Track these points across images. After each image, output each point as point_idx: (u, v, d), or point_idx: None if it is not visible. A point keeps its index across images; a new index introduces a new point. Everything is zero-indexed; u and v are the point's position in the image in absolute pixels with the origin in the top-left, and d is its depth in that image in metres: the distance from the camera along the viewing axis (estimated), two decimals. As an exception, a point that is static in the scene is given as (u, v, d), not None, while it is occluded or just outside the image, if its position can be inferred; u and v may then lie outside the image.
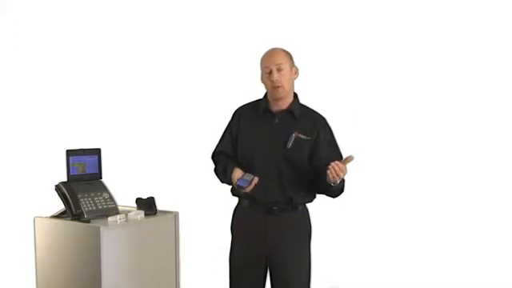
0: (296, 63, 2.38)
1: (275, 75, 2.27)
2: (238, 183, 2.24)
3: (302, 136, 2.30)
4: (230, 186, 2.41)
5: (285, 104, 2.35)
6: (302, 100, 2.43)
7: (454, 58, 3.71)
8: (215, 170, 2.47)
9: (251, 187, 2.21)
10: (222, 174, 2.38)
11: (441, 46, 3.73)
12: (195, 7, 4.04)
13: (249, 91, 2.47)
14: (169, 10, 4.04)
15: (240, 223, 2.43)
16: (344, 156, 2.30)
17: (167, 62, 4.04)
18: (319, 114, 2.40)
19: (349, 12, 3.86)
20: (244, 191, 2.24)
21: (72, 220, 2.32)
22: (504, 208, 3.63)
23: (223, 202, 2.53)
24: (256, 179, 2.22)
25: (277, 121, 2.34)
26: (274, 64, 2.28)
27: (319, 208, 2.47)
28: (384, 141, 3.77)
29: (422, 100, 3.78)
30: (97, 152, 2.52)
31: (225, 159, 2.43)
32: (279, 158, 2.29)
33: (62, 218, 2.39)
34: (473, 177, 3.67)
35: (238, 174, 2.28)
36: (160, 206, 2.52)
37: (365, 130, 3.80)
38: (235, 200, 2.46)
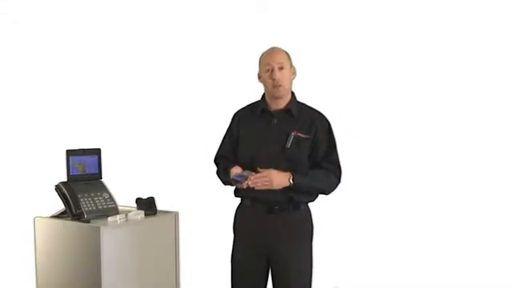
0: (296, 63, 2.39)
1: (277, 74, 2.28)
2: (234, 178, 2.25)
3: (301, 135, 2.31)
4: (234, 187, 2.42)
5: (283, 103, 2.36)
6: (303, 100, 2.43)
7: (453, 58, 3.70)
8: (217, 173, 2.49)
9: (246, 182, 2.22)
10: (223, 173, 2.39)
11: (441, 46, 3.73)
12: (196, 8, 4.04)
13: (249, 92, 2.48)
14: (169, 10, 4.04)
15: (242, 223, 2.44)
16: (340, 154, 2.35)
17: (167, 62, 4.04)
18: (318, 112, 2.40)
19: (348, 11, 3.86)
20: (240, 186, 2.26)
21: (72, 220, 2.32)
22: (504, 208, 3.63)
23: (223, 202, 2.54)
24: (253, 174, 2.23)
25: (275, 121, 2.35)
26: (276, 62, 2.30)
27: (321, 208, 2.47)
28: (384, 140, 3.77)
29: (421, 99, 3.77)
30: (97, 152, 2.53)
31: (226, 161, 2.44)
32: (279, 157, 2.30)
33: (62, 217, 2.39)
34: (473, 177, 3.67)
35: (236, 169, 2.30)
36: (160, 206, 2.52)
37: (365, 129, 3.80)
38: (235, 200, 2.46)
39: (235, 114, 2.50)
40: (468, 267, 3.55)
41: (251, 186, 2.21)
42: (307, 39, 3.82)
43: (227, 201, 2.48)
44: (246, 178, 2.23)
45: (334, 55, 3.83)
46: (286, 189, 2.26)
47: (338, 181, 2.35)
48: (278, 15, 3.91)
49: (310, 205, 2.41)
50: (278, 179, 2.22)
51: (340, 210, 3.64)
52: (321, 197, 2.40)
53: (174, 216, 2.53)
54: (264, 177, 2.20)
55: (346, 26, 3.86)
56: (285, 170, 2.27)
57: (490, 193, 3.64)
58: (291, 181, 2.23)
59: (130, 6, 4.03)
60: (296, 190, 2.26)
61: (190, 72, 4.02)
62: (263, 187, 2.21)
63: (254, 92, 2.45)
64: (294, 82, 2.41)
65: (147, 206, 2.49)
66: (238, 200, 2.47)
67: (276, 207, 2.32)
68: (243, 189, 2.27)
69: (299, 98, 2.43)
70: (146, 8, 4.06)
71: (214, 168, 2.51)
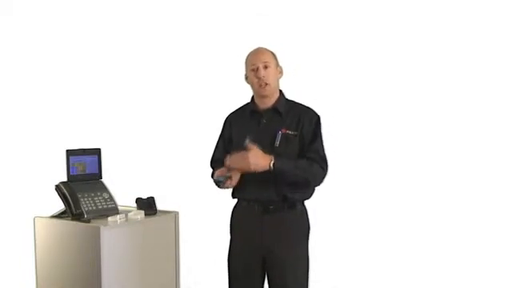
0: (295, 65, 2.39)
1: (262, 72, 2.31)
2: (216, 178, 2.29)
3: (289, 132, 2.32)
4: (231, 188, 2.43)
5: (271, 102, 2.38)
6: (300, 99, 2.43)
7: (452, 58, 3.70)
8: (212, 176, 2.49)
9: (229, 182, 2.25)
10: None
11: (439, 46, 3.73)
12: (196, 12, 4.04)
13: (248, 92, 2.48)
14: (169, 13, 4.04)
15: (238, 223, 2.45)
16: (326, 150, 2.34)
17: (167, 64, 4.05)
18: (307, 108, 2.40)
19: (346, 16, 3.86)
20: (223, 187, 2.29)
21: (72, 220, 2.32)
22: (504, 208, 3.63)
23: (223, 202, 2.54)
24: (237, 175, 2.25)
25: (265, 120, 2.36)
26: (261, 62, 2.32)
27: (318, 207, 2.46)
28: (382, 140, 3.77)
29: (419, 99, 3.77)
30: (97, 152, 2.53)
31: (220, 164, 2.45)
32: None
33: (62, 217, 2.39)
34: (472, 177, 3.67)
35: (221, 172, 2.32)
36: (160, 206, 2.52)
37: (363, 129, 3.79)
38: (235, 200, 2.46)
39: (226, 118, 2.53)
40: (467, 267, 3.55)
41: (227, 165, 2.21)
42: (306, 42, 3.82)
43: (227, 201, 2.48)
44: (230, 178, 2.24)
45: (332, 57, 3.83)
46: (269, 175, 2.22)
47: (324, 172, 2.32)
48: (277, 19, 3.91)
49: (307, 204, 2.41)
50: (256, 160, 2.18)
51: (337, 210, 3.64)
52: (318, 196, 2.40)
53: (174, 216, 2.53)
54: (240, 156, 2.19)
55: (344, 29, 3.85)
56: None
57: (489, 193, 3.64)
58: (271, 165, 2.20)
59: (131, 7, 4.04)
60: (278, 175, 2.23)
61: (190, 74, 4.03)
62: (239, 167, 2.20)
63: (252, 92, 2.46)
64: (294, 82, 2.42)
65: (147, 205, 2.49)
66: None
67: (271, 207, 2.31)
68: (228, 187, 2.29)
69: (300, 98, 2.44)
70: (147, 10, 4.06)
71: (211, 171, 2.52)
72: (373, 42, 3.82)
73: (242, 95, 2.53)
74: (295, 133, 2.32)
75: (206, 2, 4.03)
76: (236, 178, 2.27)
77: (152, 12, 4.07)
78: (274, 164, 2.20)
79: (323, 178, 2.34)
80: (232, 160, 2.23)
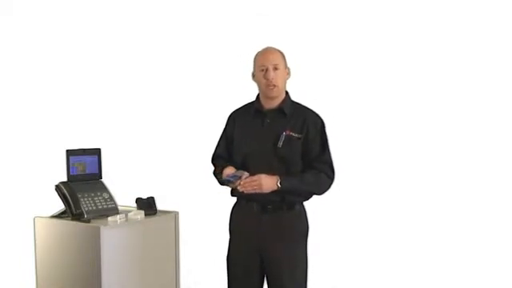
0: (295, 65, 2.39)
1: (271, 74, 2.29)
2: (226, 178, 2.27)
3: (293, 134, 2.32)
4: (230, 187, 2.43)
5: (276, 103, 2.37)
6: (304, 100, 2.43)
7: (455, 60, 3.70)
8: (214, 173, 2.50)
9: (240, 182, 2.24)
10: (219, 174, 2.40)
11: (442, 47, 3.73)
12: (196, 11, 4.04)
13: (249, 93, 2.48)
14: (169, 13, 4.04)
15: (236, 222, 2.45)
16: (336, 154, 2.35)
17: (168, 63, 4.04)
18: (311, 111, 2.40)
19: (345, 10, 3.86)
20: (233, 186, 2.28)
21: (72, 220, 2.33)
22: (504, 208, 3.63)
23: (223, 202, 2.54)
24: (246, 174, 2.25)
25: (268, 120, 2.36)
26: (271, 63, 2.31)
27: (318, 207, 2.46)
28: (382, 141, 3.76)
29: (419, 100, 3.77)
30: (97, 152, 2.53)
31: (222, 161, 2.46)
32: (271, 157, 2.30)
33: (62, 217, 2.39)
34: (472, 178, 3.66)
35: (228, 170, 2.32)
36: (160, 206, 2.52)
37: (363, 130, 3.79)
38: (235, 200, 2.46)
39: (230, 115, 2.52)
40: (466, 268, 3.55)
41: (240, 190, 2.23)
42: (306, 42, 3.82)
43: (227, 201, 2.48)
44: (240, 178, 2.24)
45: (332, 57, 3.82)
46: (276, 191, 2.26)
47: (331, 181, 2.35)
48: (277, 19, 3.91)
49: (306, 204, 2.41)
50: (268, 183, 2.22)
51: (337, 210, 3.63)
52: (317, 196, 2.40)
53: (174, 216, 2.53)
54: (253, 181, 2.21)
55: (345, 29, 3.85)
56: (277, 169, 2.27)
57: (489, 194, 3.64)
58: (279, 184, 2.23)
59: (131, 6, 4.03)
60: (285, 192, 2.27)
61: (190, 73, 4.02)
62: (253, 191, 2.22)
63: (253, 94, 2.46)
64: (295, 82, 2.41)
65: (147, 205, 2.49)
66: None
67: (269, 206, 2.32)
68: (237, 188, 2.28)
69: (300, 99, 2.44)
70: (147, 10, 4.06)
71: (211, 168, 2.52)
72: (374, 42, 3.82)
73: (242, 95, 2.53)
74: (299, 136, 2.32)
75: (207, 2, 4.03)
76: (244, 177, 2.25)
77: (152, 12, 4.07)
78: (280, 183, 2.23)
79: (330, 186, 2.36)
80: (245, 187, 2.22)
